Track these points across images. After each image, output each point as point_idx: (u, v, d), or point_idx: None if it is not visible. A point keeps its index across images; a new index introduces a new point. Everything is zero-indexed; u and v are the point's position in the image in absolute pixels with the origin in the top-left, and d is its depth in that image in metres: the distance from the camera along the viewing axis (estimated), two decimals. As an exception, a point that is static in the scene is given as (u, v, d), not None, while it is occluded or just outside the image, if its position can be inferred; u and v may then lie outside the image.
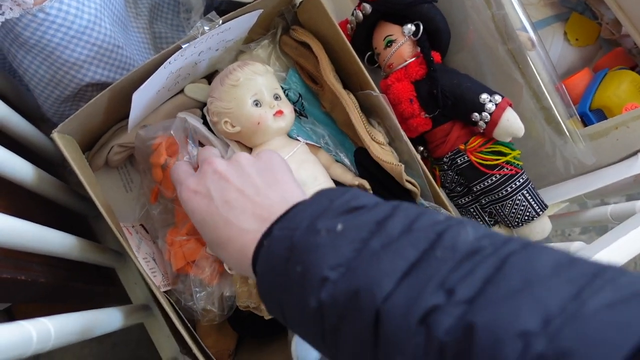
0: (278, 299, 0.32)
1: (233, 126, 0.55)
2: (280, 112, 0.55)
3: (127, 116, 0.58)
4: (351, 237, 0.29)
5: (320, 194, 0.35)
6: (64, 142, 0.53)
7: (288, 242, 0.31)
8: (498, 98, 0.59)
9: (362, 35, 0.66)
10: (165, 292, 0.58)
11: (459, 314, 0.22)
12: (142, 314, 0.69)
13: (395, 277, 0.25)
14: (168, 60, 0.53)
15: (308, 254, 0.30)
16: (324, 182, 0.56)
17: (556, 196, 0.69)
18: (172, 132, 0.59)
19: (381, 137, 0.60)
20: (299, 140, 0.59)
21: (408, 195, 0.60)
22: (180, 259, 0.60)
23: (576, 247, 0.61)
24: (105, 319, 0.53)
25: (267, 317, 0.58)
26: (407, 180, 0.57)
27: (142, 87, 0.53)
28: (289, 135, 0.59)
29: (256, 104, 0.55)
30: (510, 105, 0.60)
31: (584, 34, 0.76)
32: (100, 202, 0.53)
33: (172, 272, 0.61)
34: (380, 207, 0.30)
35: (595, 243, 0.53)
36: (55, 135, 0.52)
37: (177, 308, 0.58)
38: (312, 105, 0.64)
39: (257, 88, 0.55)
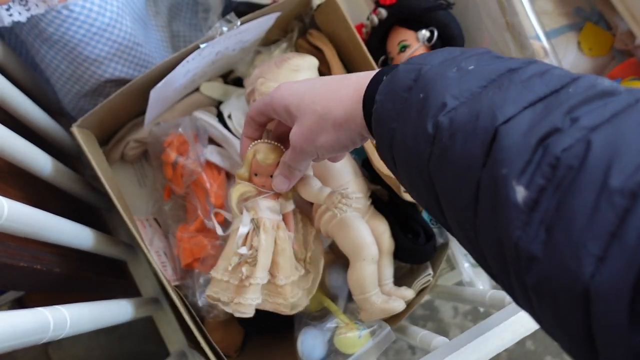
0: (391, 125, 0.32)
1: None
2: None
3: (144, 112, 0.59)
4: (480, 76, 0.29)
5: (450, 48, 0.35)
6: (82, 136, 0.54)
7: (414, 74, 0.32)
8: (510, 105, 0.60)
9: (377, 39, 0.67)
10: (175, 286, 0.58)
11: (579, 136, 0.22)
12: (151, 307, 0.70)
13: (521, 105, 0.25)
14: (186, 59, 0.54)
15: (434, 83, 0.30)
16: (354, 175, 0.57)
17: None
18: (180, 130, 0.60)
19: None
20: None
21: (412, 207, 0.60)
22: (188, 255, 0.60)
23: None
24: (117, 310, 0.54)
25: (241, 315, 0.49)
26: (404, 192, 0.57)
27: (159, 84, 0.54)
28: None
29: None
30: (522, 113, 0.60)
31: (597, 44, 0.77)
32: (116, 196, 0.54)
33: (181, 268, 0.62)
34: (515, 59, 0.30)
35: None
36: (74, 129, 0.54)
37: (186, 302, 0.59)
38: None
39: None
